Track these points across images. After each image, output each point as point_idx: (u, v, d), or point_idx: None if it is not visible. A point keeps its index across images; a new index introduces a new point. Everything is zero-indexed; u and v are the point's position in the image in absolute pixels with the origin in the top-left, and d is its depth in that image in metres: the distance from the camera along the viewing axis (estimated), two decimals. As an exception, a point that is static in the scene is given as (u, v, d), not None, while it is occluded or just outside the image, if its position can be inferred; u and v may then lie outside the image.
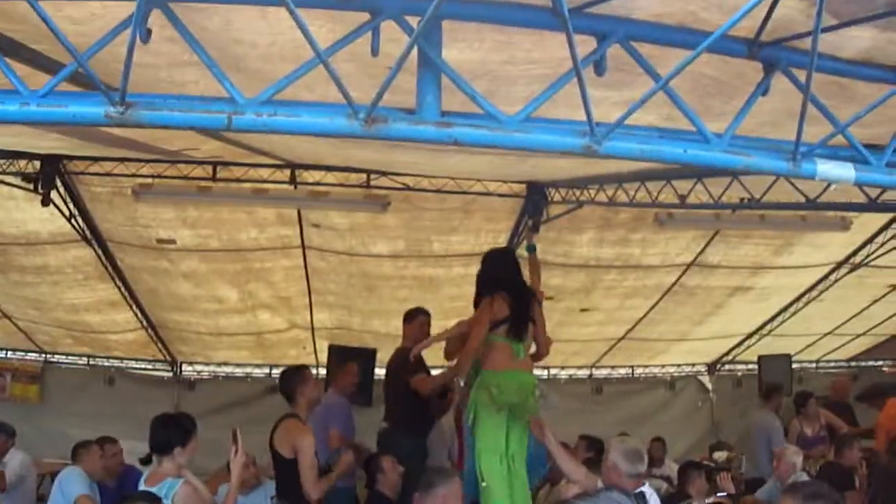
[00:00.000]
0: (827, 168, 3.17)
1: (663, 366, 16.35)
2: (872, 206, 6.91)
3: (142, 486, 6.31)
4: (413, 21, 2.87)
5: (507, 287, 7.84)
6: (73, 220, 10.13)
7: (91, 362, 14.62)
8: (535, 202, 10.35)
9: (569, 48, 2.63)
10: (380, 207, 9.95)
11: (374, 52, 2.81)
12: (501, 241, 11.00)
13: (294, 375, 7.73)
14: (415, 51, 2.86)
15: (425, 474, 6.48)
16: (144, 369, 14.78)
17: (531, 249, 9.87)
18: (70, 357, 14.59)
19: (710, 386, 16.50)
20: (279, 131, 3.02)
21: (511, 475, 7.86)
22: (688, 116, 2.98)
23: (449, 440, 9.92)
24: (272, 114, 2.77)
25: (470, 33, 3.40)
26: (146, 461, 6.82)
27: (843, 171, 3.22)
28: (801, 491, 4.83)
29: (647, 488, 6.84)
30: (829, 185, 6.92)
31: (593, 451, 9.93)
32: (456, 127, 2.74)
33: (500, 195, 10.39)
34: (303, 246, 11.15)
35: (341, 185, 9.96)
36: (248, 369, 14.57)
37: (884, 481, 9.75)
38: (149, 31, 3.23)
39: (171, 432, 6.40)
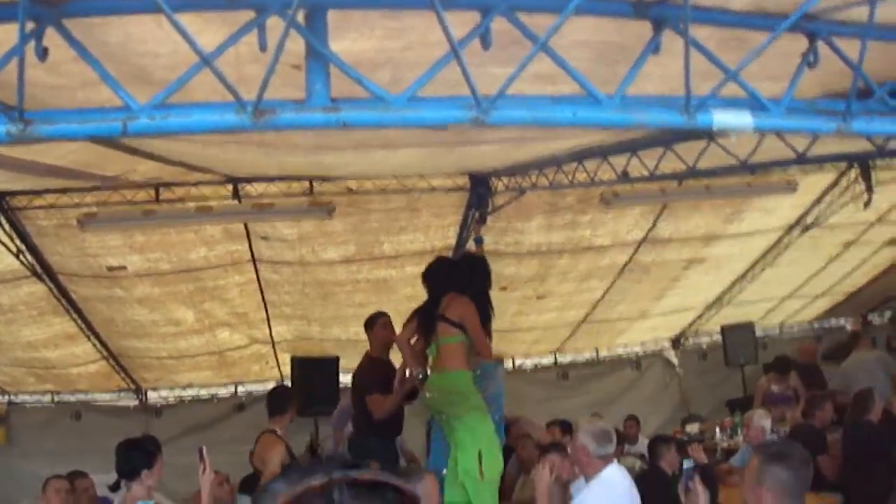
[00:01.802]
0: (723, 117, 3.19)
1: (627, 345, 16.39)
2: (802, 159, 6.99)
3: (113, 514, 6.33)
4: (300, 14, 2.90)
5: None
6: (21, 256, 10.03)
7: (56, 399, 14.50)
8: (479, 194, 10.41)
9: (441, 26, 2.66)
10: (325, 214, 9.92)
11: (262, 48, 2.83)
12: (451, 236, 11.08)
13: (284, 393, 8.75)
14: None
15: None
16: (110, 400, 14.68)
17: (479, 241, 10.04)
18: (34, 395, 14.44)
19: (675, 361, 16.55)
20: (173, 132, 3.06)
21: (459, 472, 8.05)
22: (574, 78, 3.00)
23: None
24: (165, 116, 2.79)
25: (357, 21, 3.44)
26: (115, 488, 6.82)
27: (741, 118, 3.25)
28: (767, 450, 4.87)
29: (616, 468, 6.88)
30: (758, 145, 7.07)
31: (565, 435, 10.01)
32: (343, 111, 2.76)
33: (445, 190, 10.43)
34: (253, 260, 11.13)
35: (285, 194, 9.97)
36: (214, 390, 14.49)
37: (850, 438, 9.87)
38: (45, 50, 3.22)
39: (135, 456, 6.42)
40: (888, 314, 17.95)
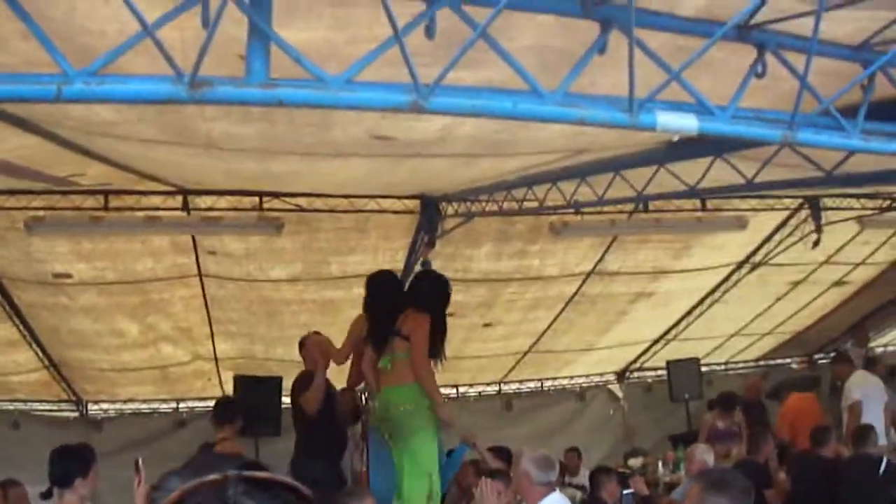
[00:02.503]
0: (668, 118, 3.20)
1: (572, 377, 16.35)
2: (752, 185, 7.04)
3: (45, 522, 6.23)
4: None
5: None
6: (-35, 259, 9.91)
7: (-6, 407, 14.31)
8: (429, 217, 10.40)
9: (384, 7, 2.66)
10: (273, 230, 9.92)
11: (205, 24, 2.80)
12: (399, 259, 11.05)
13: (230, 404, 9.11)
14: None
15: (336, 500, 6.46)
16: (50, 410, 14.48)
17: (426, 265, 10.08)
18: (-28, 402, 14.27)
19: (620, 394, 16.59)
20: (108, 99, 3.04)
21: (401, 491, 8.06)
22: (516, 69, 3.00)
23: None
24: (100, 83, 2.76)
25: (304, 11, 3.44)
26: (47, 495, 6.72)
27: (685, 120, 3.26)
28: (707, 478, 4.88)
29: (558, 496, 6.87)
30: (707, 170, 7.11)
31: (504, 462, 9.99)
32: (280, 89, 2.75)
33: (395, 212, 10.44)
34: (199, 274, 11.03)
35: (234, 209, 9.93)
36: (155, 405, 14.35)
37: (802, 469, 9.96)
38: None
39: (70, 464, 6.33)
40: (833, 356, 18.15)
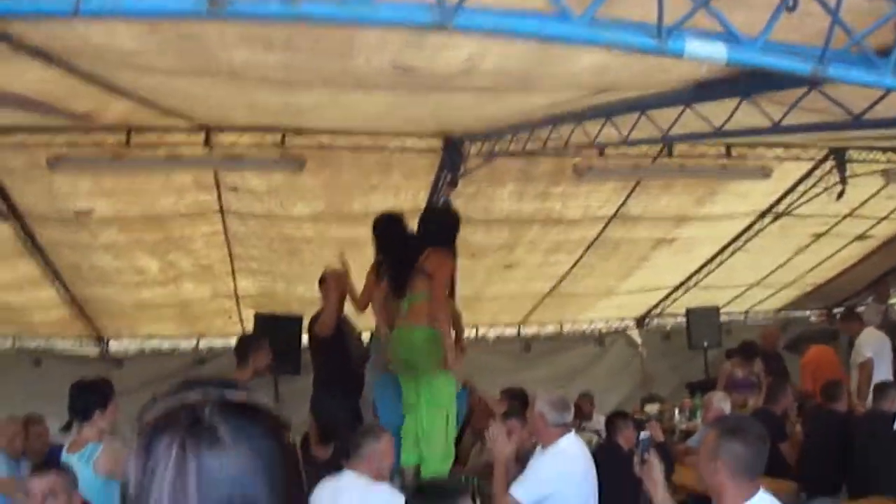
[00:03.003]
0: (696, 46, 3.15)
1: (591, 321, 16.40)
2: (777, 128, 6.94)
3: (64, 455, 6.26)
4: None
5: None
6: (-12, 196, 9.90)
7: (17, 345, 14.37)
8: (452, 156, 10.36)
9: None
10: (296, 166, 9.89)
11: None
12: (421, 198, 11.02)
13: (252, 341, 9.09)
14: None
15: (353, 436, 6.49)
16: (71, 348, 14.56)
17: (446, 204, 10.06)
18: (-5, 340, 14.36)
19: (639, 340, 16.59)
20: (127, 14, 3.02)
21: (416, 426, 8.07)
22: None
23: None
24: (119, -2, 2.74)
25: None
26: (67, 428, 6.76)
27: (714, 48, 3.21)
28: (723, 424, 4.87)
29: (574, 437, 6.88)
30: (733, 112, 7.02)
31: (517, 402, 10.02)
32: (302, 3, 2.70)
33: (418, 151, 10.41)
34: (221, 211, 11.02)
35: (257, 145, 9.90)
36: (175, 342, 14.41)
37: (814, 424, 9.95)
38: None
39: (89, 397, 6.39)
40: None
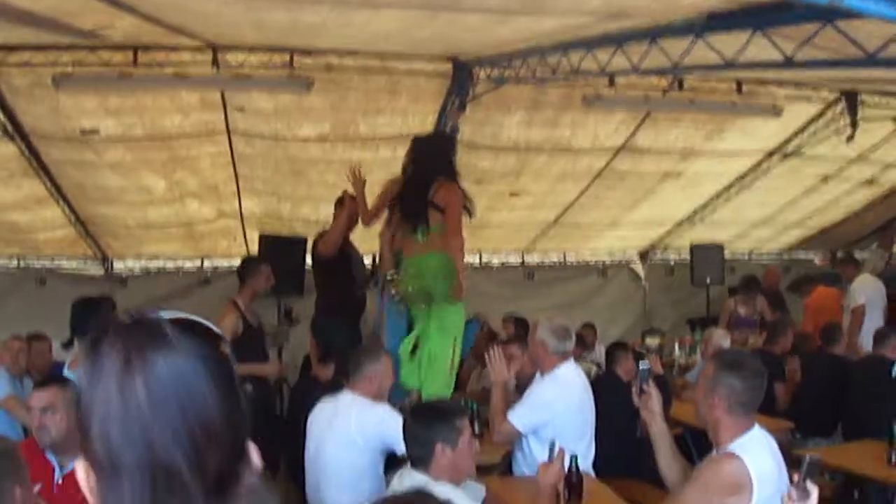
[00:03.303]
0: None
1: (595, 252, 16.46)
2: (790, 63, 6.88)
3: (65, 371, 6.31)
4: None
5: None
6: (-7, 115, 9.84)
7: (21, 264, 14.42)
8: (460, 81, 10.32)
9: None
10: (303, 87, 9.86)
11: None
12: (429, 122, 10.97)
13: (252, 264, 9.16)
14: None
15: (353, 357, 6.52)
16: (76, 268, 14.61)
17: (454, 130, 10.02)
18: (-1, 260, 14.41)
19: (642, 274, 16.64)
20: None
21: (424, 351, 8.12)
22: None
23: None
24: None
25: None
26: (69, 345, 6.81)
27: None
28: (722, 357, 4.89)
29: (573, 365, 6.91)
30: (745, 45, 6.96)
31: (519, 328, 10.08)
32: None
33: (426, 74, 10.35)
34: (228, 131, 10.99)
35: (264, 65, 9.85)
36: (180, 262, 14.45)
37: (811, 366, 10.01)
38: None
39: (90, 314, 6.41)
40: (858, 255, 18.10)
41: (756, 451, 4.41)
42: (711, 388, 4.51)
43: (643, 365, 5.47)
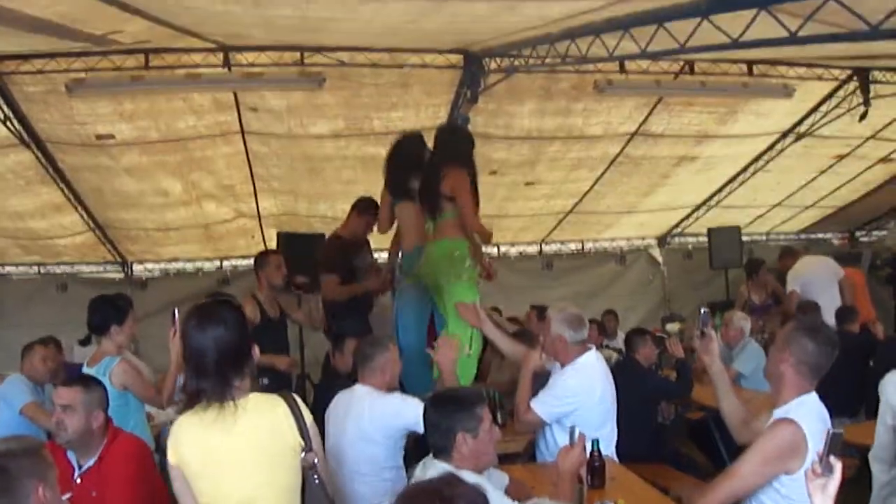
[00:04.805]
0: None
1: (613, 239, 16.47)
2: (795, 39, 6.86)
3: (84, 368, 6.36)
4: None
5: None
6: (8, 123, 9.88)
7: (42, 270, 14.53)
8: (471, 72, 10.31)
9: None
10: (315, 84, 9.89)
11: None
12: (441, 115, 10.99)
13: (261, 256, 9.12)
14: None
15: (361, 348, 6.53)
16: (96, 273, 14.70)
17: (464, 121, 10.02)
18: (20, 267, 14.48)
19: (660, 259, 16.63)
20: None
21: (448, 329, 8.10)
22: None
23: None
24: None
25: None
26: (86, 342, 6.87)
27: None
28: (804, 321, 5.00)
29: (594, 353, 6.88)
30: (750, 23, 6.95)
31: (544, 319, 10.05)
32: None
33: (437, 67, 10.36)
34: (242, 131, 11.05)
35: (275, 64, 9.89)
36: (199, 264, 14.54)
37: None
38: None
39: (106, 312, 6.50)
40: (875, 233, 18.04)
41: (810, 415, 4.43)
42: (786, 343, 4.55)
43: (704, 309, 5.52)
